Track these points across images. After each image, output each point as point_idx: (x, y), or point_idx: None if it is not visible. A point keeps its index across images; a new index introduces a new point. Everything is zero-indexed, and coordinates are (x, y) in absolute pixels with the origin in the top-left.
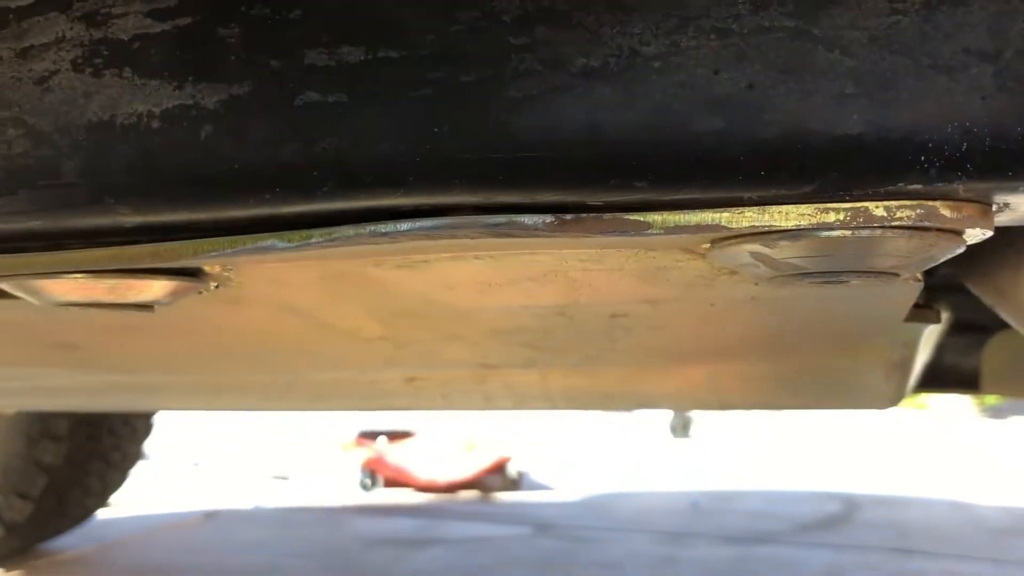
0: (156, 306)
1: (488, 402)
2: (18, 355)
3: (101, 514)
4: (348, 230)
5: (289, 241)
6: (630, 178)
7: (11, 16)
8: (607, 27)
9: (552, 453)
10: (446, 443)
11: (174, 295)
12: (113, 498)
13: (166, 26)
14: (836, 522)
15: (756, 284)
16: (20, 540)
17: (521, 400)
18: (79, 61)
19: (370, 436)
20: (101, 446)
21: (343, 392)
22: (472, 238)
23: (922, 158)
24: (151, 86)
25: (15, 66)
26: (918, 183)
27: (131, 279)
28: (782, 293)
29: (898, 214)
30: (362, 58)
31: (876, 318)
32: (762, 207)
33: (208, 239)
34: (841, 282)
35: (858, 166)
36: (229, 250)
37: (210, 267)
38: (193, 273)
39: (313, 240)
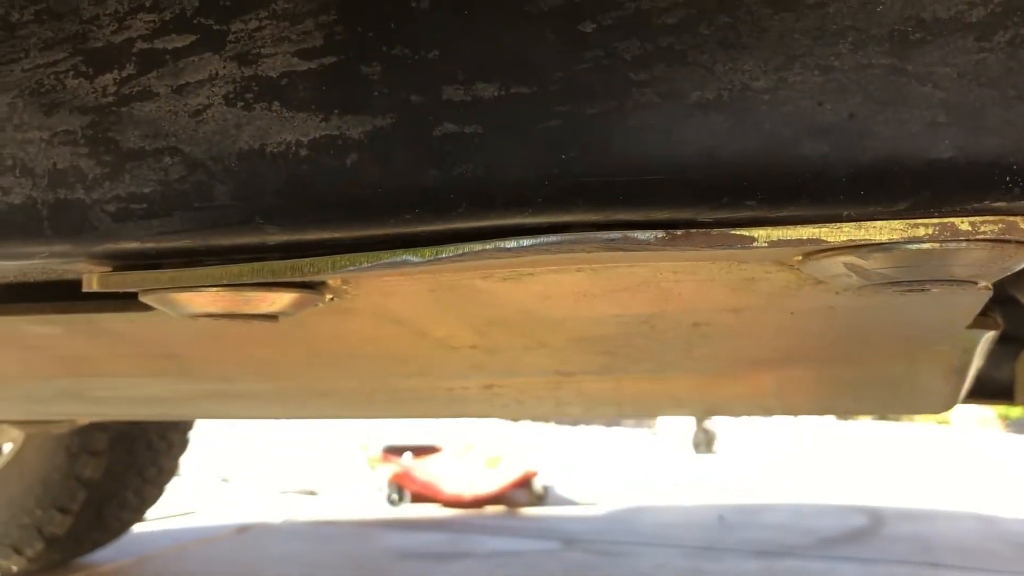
0: (280, 317)
1: (559, 408)
2: (123, 366)
3: (137, 528)
4: (476, 246)
5: (422, 256)
6: (741, 197)
7: (168, 56)
8: (720, 64)
9: (577, 468)
10: (472, 458)
11: (298, 307)
12: (148, 513)
13: (312, 64)
14: (862, 535)
15: (837, 293)
16: (60, 553)
17: (591, 406)
18: (231, 96)
19: (396, 451)
20: (139, 460)
21: (421, 399)
22: (587, 252)
23: (1007, 179)
24: (299, 118)
25: (171, 101)
26: (1002, 201)
27: (265, 292)
28: (860, 302)
29: (982, 228)
30: (496, 93)
31: (943, 324)
32: (859, 223)
33: (347, 255)
34: (923, 290)
35: (948, 186)
36: (367, 264)
37: (333, 280)
38: (315, 286)
39: (443, 256)
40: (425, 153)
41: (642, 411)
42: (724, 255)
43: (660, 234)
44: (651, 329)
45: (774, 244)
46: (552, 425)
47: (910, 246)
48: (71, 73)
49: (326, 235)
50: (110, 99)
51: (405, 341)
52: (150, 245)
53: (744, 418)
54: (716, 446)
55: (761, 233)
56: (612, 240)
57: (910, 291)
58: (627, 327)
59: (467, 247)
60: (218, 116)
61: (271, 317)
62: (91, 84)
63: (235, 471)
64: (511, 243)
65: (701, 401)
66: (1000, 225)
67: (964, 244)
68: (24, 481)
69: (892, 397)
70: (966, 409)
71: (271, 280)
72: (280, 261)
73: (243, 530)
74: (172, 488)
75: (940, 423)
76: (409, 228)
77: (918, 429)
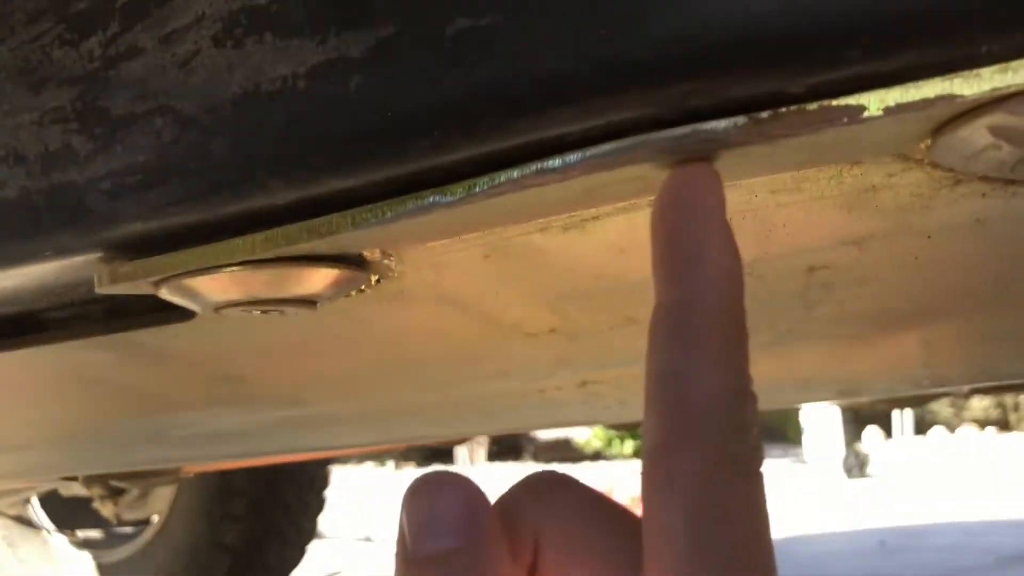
0: (319, 302)
1: None
2: (187, 395)
3: None
4: (513, 172)
5: (452, 194)
6: (839, 47)
7: (152, 4)
8: None
9: None
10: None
11: (336, 287)
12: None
13: None
14: None
15: (984, 195)
16: None
17: None
18: (219, 36)
19: None
20: (278, 523)
21: (512, 407)
22: (652, 161)
23: None
24: (293, 46)
25: (159, 54)
26: None
27: (290, 267)
28: (1013, 208)
29: None
30: None
31: None
32: (1003, 63)
33: (367, 207)
34: None
35: None
36: (389, 214)
37: (370, 253)
38: (353, 261)
39: (477, 189)
40: (437, 58)
41: (764, 401)
42: (829, 143)
43: (741, 120)
44: (759, 282)
45: (892, 112)
46: None
47: None
48: (56, 43)
49: (339, 183)
50: (96, 64)
51: (474, 331)
52: (154, 224)
53: (898, 435)
54: (870, 469)
55: (872, 99)
56: (681, 138)
57: None
58: None
59: (503, 174)
60: (208, 62)
61: (308, 303)
62: (76, 51)
63: (376, 529)
64: (555, 161)
65: (833, 380)
66: None
67: None
68: (172, 551)
69: None
70: None
71: (289, 252)
72: (294, 224)
73: None
74: (315, 550)
75: None
76: (432, 160)
77: None
